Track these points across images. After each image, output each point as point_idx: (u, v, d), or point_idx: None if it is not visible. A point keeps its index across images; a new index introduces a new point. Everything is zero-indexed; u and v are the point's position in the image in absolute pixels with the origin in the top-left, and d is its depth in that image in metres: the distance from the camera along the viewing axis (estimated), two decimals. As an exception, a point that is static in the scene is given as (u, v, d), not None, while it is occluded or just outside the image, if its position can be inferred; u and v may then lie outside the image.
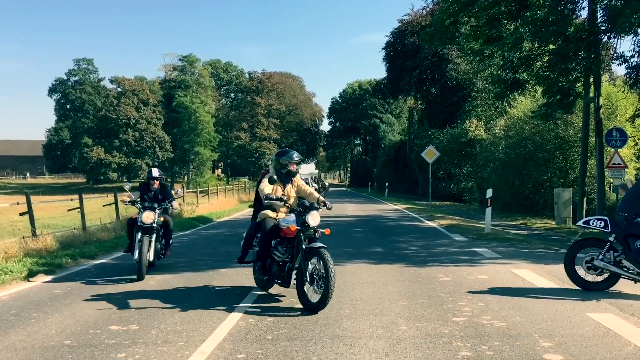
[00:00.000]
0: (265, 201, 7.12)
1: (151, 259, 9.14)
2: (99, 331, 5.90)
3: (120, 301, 7.38)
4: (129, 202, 9.74)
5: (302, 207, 6.93)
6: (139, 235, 8.98)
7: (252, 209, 8.10)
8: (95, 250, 12.26)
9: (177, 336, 5.68)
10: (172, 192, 10.34)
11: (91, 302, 7.38)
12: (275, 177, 7.20)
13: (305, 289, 6.63)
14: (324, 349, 5.15)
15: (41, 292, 8.14)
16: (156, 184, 9.94)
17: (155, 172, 10.03)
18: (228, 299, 7.39)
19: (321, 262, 6.49)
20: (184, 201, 26.02)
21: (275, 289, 7.81)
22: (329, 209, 7.27)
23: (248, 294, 7.63)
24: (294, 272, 6.84)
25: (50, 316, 6.63)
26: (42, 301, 7.50)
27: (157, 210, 9.30)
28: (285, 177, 7.40)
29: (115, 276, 9.22)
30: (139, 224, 9.10)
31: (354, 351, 5.09)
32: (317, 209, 6.93)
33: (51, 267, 10.13)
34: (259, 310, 6.74)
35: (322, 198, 7.31)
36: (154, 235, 9.21)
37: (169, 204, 9.92)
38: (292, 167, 7.39)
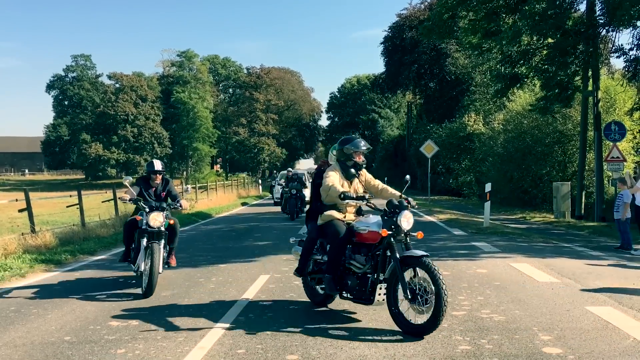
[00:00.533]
0: (345, 200, 5.85)
1: (161, 270, 7.53)
2: (98, 327, 5.90)
3: (120, 297, 7.38)
4: (129, 200, 7.98)
5: (391, 207, 5.67)
6: (145, 241, 7.53)
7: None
8: (95, 247, 12.27)
9: (176, 332, 5.68)
10: (178, 188, 9.65)
11: (91, 298, 7.38)
12: (337, 170, 6.12)
13: (402, 308, 5.47)
14: (323, 344, 5.15)
15: (41, 289, 8.14)
16: (158, 178, 8.31)
17: (158, 164, 8.31)
18: (228, 294, 7.39)
19: (426, 274, 5.27)
20: (196, 199, 25.88)
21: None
22: (413, 207, 5.90)
23: (247, 289, 7.64)
24: (380, 286, 5.63)
25: (50, 312, 6.63)
26: (42, 297, 7.50)
27: (165, 211, 7.78)
28: (351, 170, 6.22)
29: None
30: (143, 227, 7.60)
31: (353, 345, 5.09)
32: (407, 208, 5.70)
33: (50, 264, 10.14)
34: (258, 305, 6.74)
35: (402, 195, 6.02)
36: (162, 242, 7.66)
37: (178, 204, 8.17)
38: (359, 158, 6.16)
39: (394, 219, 5.58)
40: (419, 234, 5.72)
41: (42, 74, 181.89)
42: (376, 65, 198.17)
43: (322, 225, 6.14)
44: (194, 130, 76.32)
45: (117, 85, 77.35)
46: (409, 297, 5.31)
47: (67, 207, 15.45)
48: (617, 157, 17.59)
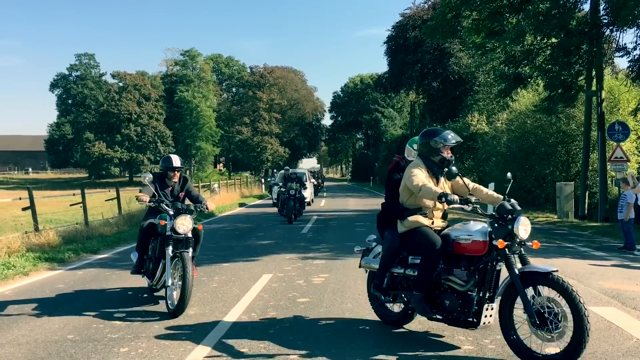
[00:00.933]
0: (447, 204, 4.87)
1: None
2: (101, 325, 5.91)
3: (123, 295, 7.40)
4: (150, 201, 6.92)
5: (504, 212, 4.76)
6: (170, 250, 6.47)
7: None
8: (98, 245, 12.29)
9: (179, 330, 5.69)
10: (205, 188, 8.82)
11: (94, 296, 7.40)
12: (422, 166, 5.24)
13: (521, 334, 4.67)
14: (326, 343, 5.16)
15: (44, 287, 8.16)
16: (176, 176, 7.31)
17: (176, 160, 7.28)
18: (230, 293, 7.40)
19: (553, 293, 4.49)
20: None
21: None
22: (518, 210, 4.86)
23: (250, 288, 7.64)
24: (488, 306, 4.81)
25: (53, 311, 6.65)
26: (45, 296, 7.52)
27: (194, 214, 6.77)
28: (438, 167, 5.32)
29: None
30: (167, 233, 6.54)
31: (356, 345, 5.09)
32: (520, 213, 4.84)
33: (54, 262, 10.17)
34: (261, 304, 6.75)
35: (506, 196, 5.04)
36: (191, 251, 6.61)
37: (203, 205, 7.04)
38: (447, 153, 5.26)
39: (510, 226, 4.69)
40: (535, 244, 4.84)
41: (45, 72, 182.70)
42: (379, 65, 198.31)
43: (407, 234, 5.28)
44: (197, 129, 76.39)
45: (121, 84, 77.44)
46: (537, 321, 4.46)
47: (71, 205, 15.47)
48: (621, 157, 17.55)
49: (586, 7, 19.21)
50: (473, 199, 4.92)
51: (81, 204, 14.89)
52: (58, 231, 12.92)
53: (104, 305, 6.87)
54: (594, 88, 18.82)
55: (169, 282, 6.34)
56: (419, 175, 5.09)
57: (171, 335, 5.50)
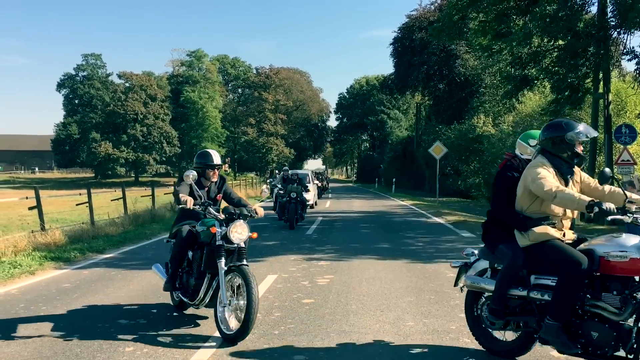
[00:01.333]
0: (602, 215, 4.00)
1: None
2: (107, 325, 5.93)
3: (129, 295, 7.41)
4: (196, 206, 5.80)
5: None
6: (223, 263, 5.46)
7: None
8: (104, 245, 12.33)
9: (185, 330, 5.70)
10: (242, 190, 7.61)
11: (99, 296, 7.42)
12: (547, 166, 4.36)
13: None
14: (330, 344, 5.16)
15: (50, 286, 8.19)
16: (216, 174, 6.34)
17: (216, 156, 6.37)
18: (235, 293, 7.40)
19: None
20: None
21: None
22: None
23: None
24: None
25: (59, 310, 6.67)
26: (51, 295, 7.55)
27: (248, 220, 5.78)
28: (569, 166, 4.45)
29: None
30: (218, 243, 5.52)
31: (360, 347, 5.09)
32: None
33: (60, 261, 10.20)
34: (265, 305, 6.74)
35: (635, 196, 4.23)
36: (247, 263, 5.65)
37: (253, 210, 5.90)
38: (581, 149, 4.43)
39: None
40: None
41: (51, 72, 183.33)
42: (385, 66, 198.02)
43: (532, 248, 4.37)
44: (202, 130, 76.57)
45: (127, 85, 77.70)
46: None
47: (77, 205, 15.52)
48: (628, 160, 17.47)
49: (593, 9, 19.15)
50: (633, 207, 4.06)
51: (87, 204, 14.93)
52: (64, 230, 12.97)
53: (110, 304, 6.90)
54: (600, 90, 18.75)
55: (226, 301, 5.34)
56: (549, 178, 4.24)
57: (176, 335, 5.51)
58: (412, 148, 52.17)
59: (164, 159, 76.96)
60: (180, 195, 5.82)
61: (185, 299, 6.00)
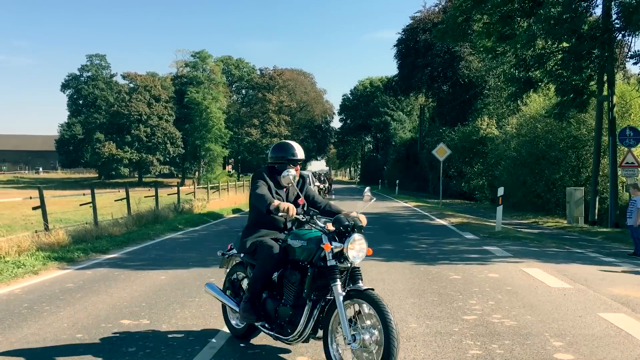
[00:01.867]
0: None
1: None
2: (110, 325, 5.94)
3: (132, 295, 7.42)
4: (299, 215, 4.71)
5: None
6: (339, 287, 4.31)
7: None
8: (107, 245, 12.35)
9: (187, 331, 5.70)
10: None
11: (103, 296, 7.43)
12: None
13: None
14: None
15: (53, 286, 8.20)
16: (297, 171, 4.97)
17: (300, 150, 5.10)
18: (238, 294, 7.40)
19: None
20: (208, 199, 25.44)
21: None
22: None
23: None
24: None
25: (62, 310, 6.68)
26: (54, 295, 7.56)
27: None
28: None
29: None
30: (330, 263, 4.37)
31: None
32: None
33: (63, 261, 10.22)
34: (268, 306, 6.75)
35: None
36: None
37: (359, 219, 4.64)
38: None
39: None
40: None
41: (56, 73, 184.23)
42: (389, 68, 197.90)
43: None
44: (206, 131, 76.70)
45: (131, 85, 77.94)
46: None
47: (81, 205, 15.56)
48: (632, 163, 17.43)
49: (598, 11, 19.15)
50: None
51: (91, 204, 14.97)
52: (68, 231, 12.99)
53: (113, 304, 6.90)
54: (605, 93, 18.72)
55: (350, 337, 4.11)
56: None
57: (179, 336, 5.51)
58: (416, 150, 52.18)
59: (167, 159, 77.14)
60: (278, 203, 4.56)
61: (272, 333, 4.77)
